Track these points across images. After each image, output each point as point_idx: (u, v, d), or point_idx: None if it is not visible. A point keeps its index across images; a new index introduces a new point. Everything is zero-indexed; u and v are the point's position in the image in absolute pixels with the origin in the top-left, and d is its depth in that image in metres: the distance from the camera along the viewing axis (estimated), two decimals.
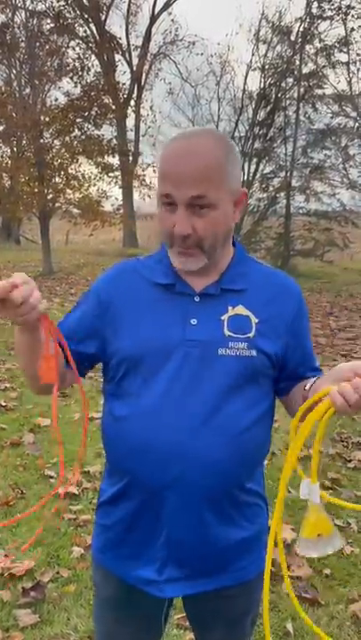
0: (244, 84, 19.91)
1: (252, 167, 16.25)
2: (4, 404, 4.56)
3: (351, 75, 12.30)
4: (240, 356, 1.08)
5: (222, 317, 1.09)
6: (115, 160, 14.41)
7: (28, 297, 0.94)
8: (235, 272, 1.14)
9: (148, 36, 21.42)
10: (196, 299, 1.11)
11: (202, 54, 24.65)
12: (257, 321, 1.10)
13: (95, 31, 18.63)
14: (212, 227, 1.04)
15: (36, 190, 12.73)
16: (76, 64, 14.81)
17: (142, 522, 1.13)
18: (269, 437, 1.18)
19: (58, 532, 2.76)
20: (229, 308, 1.10)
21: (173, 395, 1.07)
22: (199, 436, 1.06)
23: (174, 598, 1.21)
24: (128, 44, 21.64)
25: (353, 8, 11.69)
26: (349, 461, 3.68)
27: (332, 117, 14.01)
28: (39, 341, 1.03)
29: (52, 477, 3.31)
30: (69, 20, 15.45)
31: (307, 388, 1.11)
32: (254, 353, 1.09)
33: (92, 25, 18.38)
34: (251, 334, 1.09)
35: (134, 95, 20.97)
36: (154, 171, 15.27)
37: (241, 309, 1.10)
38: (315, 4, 12.95)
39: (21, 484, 3.23)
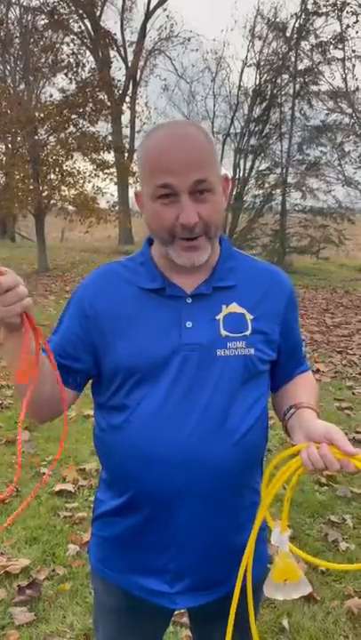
0: (240, 80, 19.84)
1: (248, 164, 16.27)
2: None
3: (347, 71, 12.30)
4: (239, 355, 1.06)
5: (217, 317, 1.07)
6: (110, 156, 14.37)
7: (15, 285, 0.89)
8: (224, 268, 1.11)
9: (143, 32, 21.32)
10: (188, 300, 1.07)
11: (197, 50, 24.68)
12: (252, 317, 1.08)
13: (90, 27, 18.54)
14: (215, 211, 1.02)
15: (30, 187, 12.68)
16: (71, 60, 14.75)
17: (150, 533, 1.09)
18: (267, 434, 1.17)
19: (53, 530, 2.75)
20: (223, 306, 1.07)
21: (174, 401, 1.04)
22: (204, 441, 1.03)
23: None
24: (123, 40, 21.55)
25: (348, 4, 11.67)
26: None
27: (327, 114, 14.04)
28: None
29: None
30: (64, 16, 15.37)
31: (286, 415, 1.12)
32: (252, 351, 1.07)
33: (86, 21, 18.30)
34: (247, 332, 1.07)
35: (129, 91, 20.90)
36: None
37: (235, 307, 1.08)
38: (310, 1, 12.93)
39: (17, 482, 3.22)
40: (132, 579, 1.13)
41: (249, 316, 1.08)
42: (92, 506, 2.98)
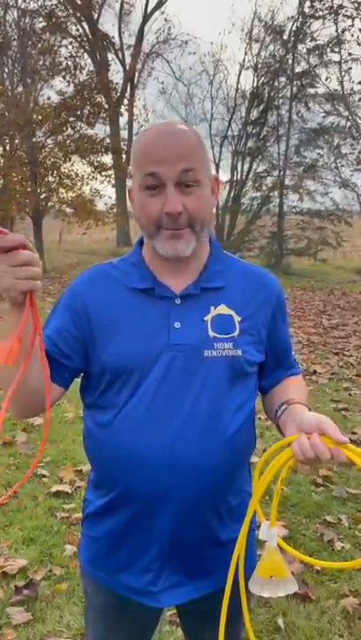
0: (237, 82, 19.91)
1: (246, 166, 16.31)
2: None
3: (343, 74, 12.35)
4: (226, 356, 1.06)
5: (205, 318, 1.07)
6: (108, 159, 14.40)
7: (31, 263, 0.90)
8: (213, 270, 1.12)
9: (140, 35, 21.38)
10: (177, 301, 1.08)
11: (195, 53, 24.72)
12: (240, 319, 1.09)
13: (88, 30, 18.59)
14: (200, 205, 1.03)
15: (28, 189, 12.72)
16: (69, 63, 14.80)
17: (134, 533, 1.10)
18: (255, 434, 1.18)
19: (51, 531, 2.76)
20: (212, 307, 1.08)
21: (161, 401, 1.05)
22: (191, 441, 1.04)
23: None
24: (121, 43, 21.60)
25: (344, 7, 11.73)
26: None
27: (324, 116, 14.09)
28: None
29: (44, 476, 3.32)
30: (62, 19, 15.41)
31: (278, 413, 1.11)
32: (240, 352, 1.08)
33: (84, 24, 18.35)
34: (235, 333, 1.08)
35: (127, 94, 20.94)
36: None
37: (223, 309, 1.09)
38: (307, 4, 13.00)
39: (14, 483, 3.23)
40: (117, 578, 1.14)
41: (237, 318, 1.09)
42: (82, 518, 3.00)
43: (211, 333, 1.07)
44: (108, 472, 1.11)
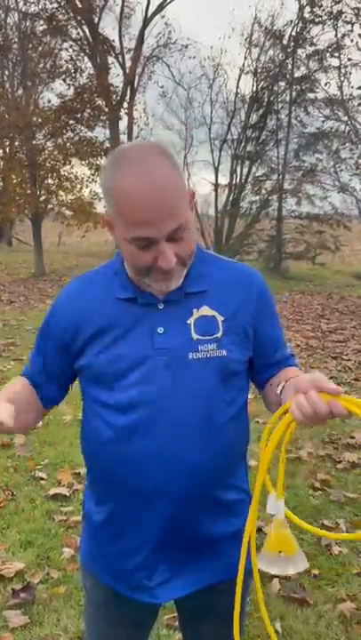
0: (237, 87, 20.01)
1: (245, 170, 16.35)
2: None
3: (342, 79, 12.39)
4: (211, 357, 1.07)
5: (188, 321, 1.08)
6: None
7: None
8: (195, 274, 1.11)
9: (141, 39, 21.41)
10: (160, 306, 1.09)
11: (195, 57, 24.72)
12: (223, 319, 1.09)
13: (88, 33, 18.63)
14: (190, 246, 1.05)
15: (28, 192, 12.74)
16: (69, 66, 14.84)
17: (129, 529, 1.12)
18: (248, 431, 1.19)
19: (48, 534, 2.76)
20: (194, 310, 1.09)
21: (149, 406, 1.06)
22: (179, 441, 1.05)
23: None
24: (121, 47, 21.59)
25: (344, 13, 11.78)
26: (339, 462, 3.70)
27: (323, 121, 14.13)
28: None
29: (42, 479, 3.31)
30: (62, 22, 15.44)
31: (278, 392, 1.09)
32: (225, 352, 1.08)
33: (85, 27, 18.37)
34: (219, 334, 1.08)
35: (127, 97, 20.98)
36: None
37: (206, 310, 1.09)
38: (307, 9, 13.04)
39: (12, 486, 3.23)
40: (113, 574, 1.16)
41: (220, 318, 1.09)
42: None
43: (194, 336, 1.07)
44: (100, 470, 1.14)
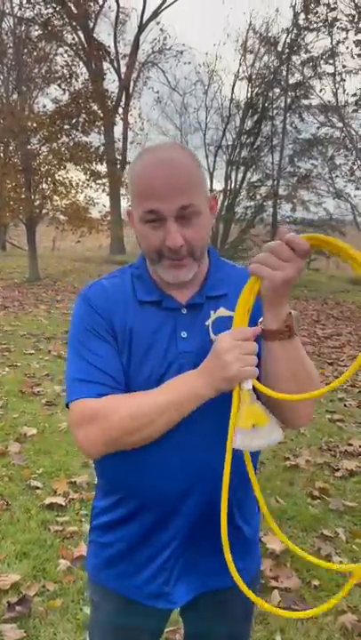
0: (232, 93, 20.01)
1: (240, 175, 16.37)
2: None
3: (337, 86, 12.45)
4: None
5: (207, 323, 1.10)
6: (102, 167, 14.41)
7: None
8: (215, 278, 1.15)
9: (136, 45, 21.49)
10: (184, 311, 1.11)
11: (190, 63, 24.78)
12: None
13: (83, 39, 18.66)
14: (200, 233, 1.06)
15: (22, 196, 12.68)
16: (64, 71, 14.83)
17: (150, 538, 1.13)
18: None
19: (44, 545, 2.71)
20: (211, 312, 1.11)
21: None
22: (203, 444, 1.06)
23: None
24: (116, 53, 21.71)
25: (339, 20, 11.84)
26: (337, 470, 3.68)
27: (318, 127, 14.18)
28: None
29: (38, 488, 3.27)
30: (57, 27, 15.45)
31: (259, 321, 1.05)
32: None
33: (80, 32, 18.41)
34: None
35: (122, 103, 21.02)
36: None
37: (223, 311, 1.11)
38: (301, 16, 13.11)
39: (7, 495, 3.18)
40: (130, 582, 1.15)
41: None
42: (83, 520, 2.95)
43: (213, 337, 1.09)
44: (120, 478, 1.13)
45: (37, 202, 13.25)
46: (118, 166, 15.96)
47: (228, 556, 1.01)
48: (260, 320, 1.03)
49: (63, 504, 3.08)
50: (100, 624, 1.27)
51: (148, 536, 1.13)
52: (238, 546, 1.13)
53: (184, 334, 1.09)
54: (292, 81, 14.87)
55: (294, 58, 14.31)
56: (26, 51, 14.31)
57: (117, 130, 20.79)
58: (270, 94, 15.67)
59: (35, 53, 14.49)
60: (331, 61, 12.79)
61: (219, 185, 16.45)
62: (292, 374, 1.02)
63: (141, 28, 21.52)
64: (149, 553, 1.14)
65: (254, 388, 0.98)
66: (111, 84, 20.39)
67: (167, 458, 1.07)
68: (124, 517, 1.15)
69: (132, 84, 21.91)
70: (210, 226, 1.13)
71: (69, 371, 1.10)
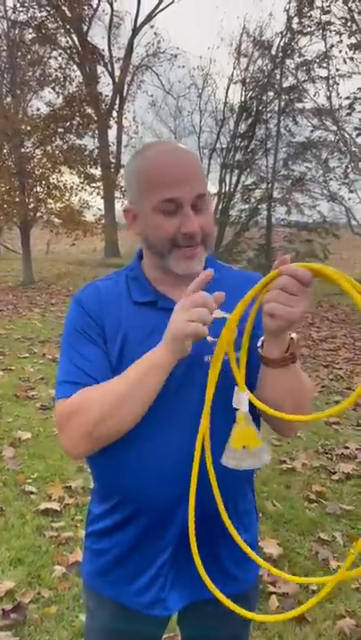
0: (226, 96, 20.07)
1: (234, 178, 16.40)
2: None
3: (331, 89, 12.48)
4: (225, 359, 1.05)
5: None
6: (97, 171, 14.38)
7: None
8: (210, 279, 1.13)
9: (130, 48, 21.52)
10: None
11: (184, 67, 24.91)
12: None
13: (77, 42, 18.66)
14: (210, 222, 1.09)
15: (16, 200, 12.63)
16: (58, 74, 14.82)
17: (145, 544, 1.11)
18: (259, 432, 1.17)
19: (39, 551, 2.68)
20: None
21: (166, 410, 1.05)
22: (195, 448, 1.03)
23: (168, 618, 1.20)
24: (110, 56, 21.72)
25: (332, 24, 11.88)
26: (334, 473, 3.66)
27: (312, 131, 14.21)
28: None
29: (32, 493, 3.23)
30: (51, 31, 15.45)
31: (258, 345, 1.05)
32: (237, 354, 1.05)
33: (74, 36, 18.41)
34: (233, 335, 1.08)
35: (116, 106, 21.02)
36: None
37: (218, 313, 1.07)
38: (295, 20, 13.15)
39: (1, 501, 3.14)
40: (125, 590, 1.14)
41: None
42: (78, 525, 2.92)
43: (209, 338, 1.06)
44: (115, 482, 1.11)
45: (31, 205, 13.21)
46: (112, 169, 15.94)
47: (204, 574, 1.00)
48: (259, 344, 1.01)
49: (58, 509, 3.05)
50: (95, 631, 1.25)
51: (143, 542, 1.12)
52: (235, 554, 1.11)
53: None
54: (285, 84, 14.90)
55: (288, 61, 14.35)
56: (20, 54, 14.30)
57: (111, 133, 20.79)
58: (264, 98, 15.72)
59: (28, 56, 14.49)
60: (324, 65, 12.82)
61: (213, 188, 16.45)
62: (290, 395, 1.03)
63: (135, 31, 21.55)
64: (145, 560, 1.12)
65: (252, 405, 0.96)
66: (105, 87, 20.47)
67: (162, 461, 1.06)
68: (120, 523, 1.13)
69: (126, 87, 21.92)
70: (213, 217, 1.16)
71: (58, 373, 1.12)
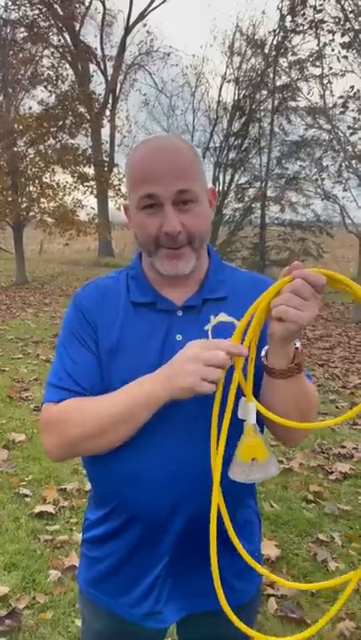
0: (219, 95, 20.10)
1: (228, 177, 16.38)
2: None
3: (324, 88, 12.45)
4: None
5: (206, 327, 1.05)
6: (90, 170, 14.31)
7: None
8: (214, 280, 1.11)
9: (122, 47, 21.46)
10: (179, 313, 1.07)
11: (177, 65, 24.85)
12: None
13: (69, 40, 18.58)
14: (198, 221, 1.03)
15: (9, 199, 12.55)
16: (51, 73, 14.74)
17: (141, 554, 1.08)
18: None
19: (34, 555, 2.63)
20: (212, 317, 1.07)
21: (164, 414, 1.00)
22: (194, 457, 1.00)
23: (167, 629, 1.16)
24: (103, 54, 21.64)
25: (325, 22, 11.86)
26: (331, 473, 3.64)
27: (305, 129, 14.19)
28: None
29: (26, 496, 3.19)
30: (43, 29, 15.36)
31: (262, 355, 1.02)
32: (243, 359, 1.03)
33: (66, 34, 18.33)
34: None
35: (109, 105, 20.95)
36: None
37: (223, 317, 1.06)
38: (288, 18, 13.13)
39: None
40: (119, 600, 1.11)
41: (238, 324, 1.05)
42: (73, 528, 2.88)
43: None
44: (111, 490, 1.09)
45: (24, 204, 13.13)
46: (106, 168, 15.87)
47: (220, 593, 0.96)
48: (263, 354, 0.97)
49: (53, 512, 3.01)
50: (91, 638, 1.22)
51: (138, 552, 1.09)
52: (236, 566, 1.07)
53: (179, 337, 1.05)
54: (279, 83, 14.89)
55: (281, 60, 14.33)
56: (11, 52, 14.20)
57: (104, 132, 20.71)
58: (257, 96, 15.70)
59: (20, 55, 14.38)
60: (318, 64, 12.80)
61: (213, 187, 16.46)
62: (295, 404, 1.00)
63: (128, 29, 21.49)
64: (139, 570, 1.09)
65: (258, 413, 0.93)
66: (98, 86, 20.33)
67: (159, 470, 1.03)
68: (115, 531, 1.10)
69: (118, 86, 21.86)
70: (210, 217, 1.09)
71: (49, 372, 1.11)
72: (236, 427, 0.94)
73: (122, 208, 1.12)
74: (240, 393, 0.93)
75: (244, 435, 0.93)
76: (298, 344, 0.96)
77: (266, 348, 0.97)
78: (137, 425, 0.98)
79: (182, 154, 1.02)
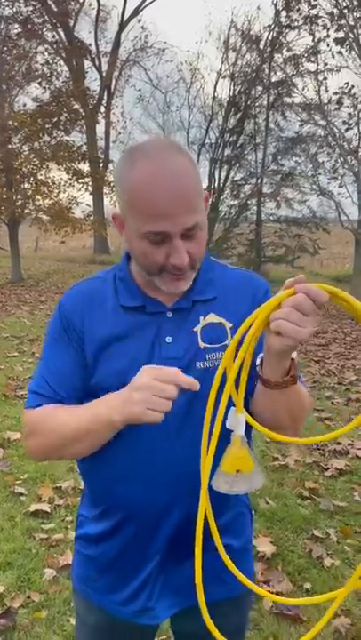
0: (214, 91, 20.01)
1: (223, 174, 16.38)
2: None
3: (319, 84, 12.45)
4: (218, 366, 1.00)
5: (195, 329, 1.05)
6: (85, 166, 14.27)
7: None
8: (203, 281, 1.09)
9: (117, 43, 21.39)
10: (169, 314, 1.06)
11: (172, 61, 24.80)
12: (231, 325, 1.06)
13: (64, 37, 18.49)
14: (202, 246, 1.02)
15: (4, 196, 12.50)
16: (45, 69, 14.67)
17: (134, 551, 1.09)
18: (251, 439, 1.14)
19: (29, 554, 2.63)
20: (201, 318, 1.06)
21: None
22: (186, 456, 1.00)
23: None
24: (97, 51, 21.57)
25: (320, 18, 11.85)
26: (326, 469, 3.64)
27: (301, 125, 14.19)
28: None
29: (22, 494, 3.18)
30: (37, 25, 15.27)
31: (257, 363, 1.00)
32: (233, 360, 1.03)
33: (60, 30, 18.24)
34: (227, 341, 1.04)
35: (104, 101, 20.87)
36: None
37: (213, 317, 1.06)
38: (283, 14, 13.11)
39: None
40: (111, 598, 1.12)
41: (228, 325, 1.06)
42: (68, 527, 2.87)
43: (201, 344, 1.04)
44: (104, 490, 1.10)
45: (19, 202, 13.08)
46: (101, 165, 15.82)
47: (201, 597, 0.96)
48: (258, 363, 0.96)
49: (48, 511, 3.00)
50: (85, 637, 1.23)
51: (130, 550, 1.09)
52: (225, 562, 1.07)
53: (169, 339, 1.04)
54: (274, 79, 14.90)
55: (276, 56, 14.32)
56: (5, 49, 14.12)
57: (99, 128, 20.66)
58: (253, 92, 15.70)
59: (14, 51, 14.29)
60: (313, 59, 12.79)
61: (202, 184, 16.45)
62: (288, 412, 1.00)
63: (122, 25, 21.42)
64: (132, 567, 1.10)
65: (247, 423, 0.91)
66: (93, 82, 20.26)
67: (152, 469, 1.03)
68: (109, 530, 1.10)
69: (113, 82, 21.79)
70: (207, 231, 1.06)
71: (32, 377, 1.13)
72: (227, 430, 0.93)
73: (111, 217, 1.08)
74: (231, 403, 0.92)
75: (230, 445, 0.91)
76: (294, 355, 0.94)
77: (261, 355, 0.96)
78: (101, 440, 1.00)
79: (189, 178, 0.96)
